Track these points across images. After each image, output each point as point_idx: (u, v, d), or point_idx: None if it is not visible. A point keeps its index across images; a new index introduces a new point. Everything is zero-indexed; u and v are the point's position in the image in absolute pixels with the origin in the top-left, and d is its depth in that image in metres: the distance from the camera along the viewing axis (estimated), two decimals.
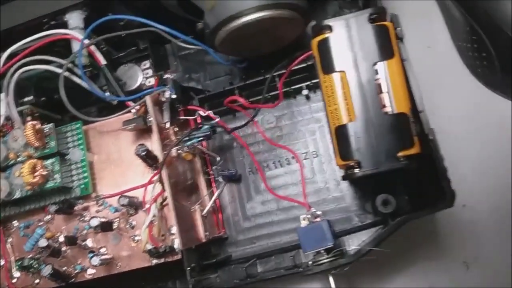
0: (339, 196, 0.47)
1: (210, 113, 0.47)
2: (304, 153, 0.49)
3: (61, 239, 0.46)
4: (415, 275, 0.48)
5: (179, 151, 0.44)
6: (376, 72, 0.37)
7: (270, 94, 0.49)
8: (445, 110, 0.49)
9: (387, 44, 0.37)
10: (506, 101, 0.49)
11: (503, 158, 0.48)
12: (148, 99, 0.43)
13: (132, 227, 0.45)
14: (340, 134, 0.38)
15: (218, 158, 0.48)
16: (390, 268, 0.48)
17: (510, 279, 0.45)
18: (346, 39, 0.38)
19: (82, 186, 0.46)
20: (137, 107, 0.45)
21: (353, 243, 0.46)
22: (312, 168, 0.49)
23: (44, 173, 0.44)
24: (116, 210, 0.45)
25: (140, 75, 0.52)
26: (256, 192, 0.50)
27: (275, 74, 0.48)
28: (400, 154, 0.36)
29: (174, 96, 0.46)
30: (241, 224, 0.49)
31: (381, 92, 0.37)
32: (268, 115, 0.51)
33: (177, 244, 0.41)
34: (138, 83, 0.52)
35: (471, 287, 0.45)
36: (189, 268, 0.41)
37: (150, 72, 0.52)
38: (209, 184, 0.49)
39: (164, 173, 0.41)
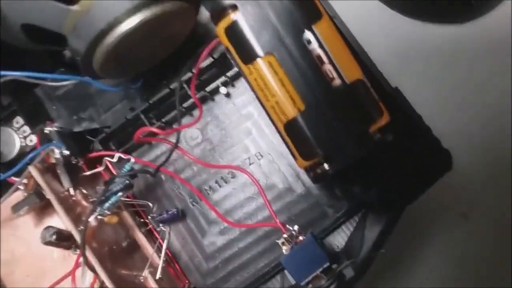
0: (304, 193, 0.40)
1: (120, 155, 0.37)
2: (247, 158, 0.41)
3: None
4: (417, 243, 0.42)
5: (99, 218, 0.34)
6: (309, 42, 0.29)
7: (184, 106, 0.40)
8: (379, 54, 0.43)
9: (309, 3, 0.29)
10: (433, 26, 0.44)
11: (455, 83, 0.43)
12: (32, 170, 0.33)
13: None
14: (292, 131, 0.29)
15: (150, 205, 0.39)
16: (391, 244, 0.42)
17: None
18: (258, 14, 0.29)
19: None
20: (24, 181, 0.35)
21: (339, 241, 0.39)
22: (263, 172, 0.41)
23: None
24: None
25: (16, 138, 0.42)
26: (209, 223, 0.41)
27: (181, 80, 0.39)
28: (372, 129, 0.29)
29: (66, 152, 0.35)
30: (205, 266, 0.40)
31: (323, 63, 0.29)
32: (191, 130, 0.42)
33: None
34: (17, 148, 0.42)
35: (475, 237, 0.41)
36: None
37: (27, 129, 0.43)
38: (150, 235, 0.40)
39: (89, 256, 0.31)
